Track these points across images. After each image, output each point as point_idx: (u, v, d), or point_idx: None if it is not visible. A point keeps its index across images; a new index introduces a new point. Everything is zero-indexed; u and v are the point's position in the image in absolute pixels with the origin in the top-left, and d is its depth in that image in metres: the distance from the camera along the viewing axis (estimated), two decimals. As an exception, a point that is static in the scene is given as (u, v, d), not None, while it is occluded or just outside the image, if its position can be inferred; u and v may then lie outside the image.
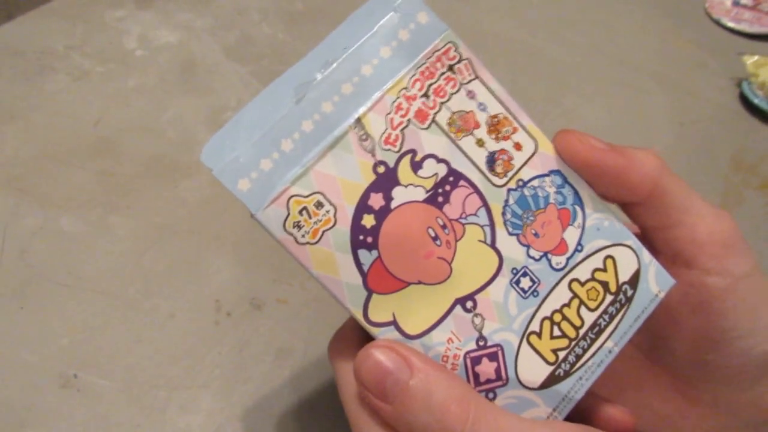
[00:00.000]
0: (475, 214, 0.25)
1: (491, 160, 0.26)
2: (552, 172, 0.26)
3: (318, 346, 0.42)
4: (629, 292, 0.27)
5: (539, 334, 0.26)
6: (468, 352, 0.25)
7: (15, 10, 0.62)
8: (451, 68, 0.25)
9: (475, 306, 0.25)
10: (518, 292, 0.26)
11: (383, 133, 0.24)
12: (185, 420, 0.38)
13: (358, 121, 0.24)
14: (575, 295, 0.26)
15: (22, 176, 0.49)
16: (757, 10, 0.68)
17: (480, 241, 0.25)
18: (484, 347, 0.25)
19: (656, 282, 0.27)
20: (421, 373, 0.23)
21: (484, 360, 0.25)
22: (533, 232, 0.26)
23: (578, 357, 0.26)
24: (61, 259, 0.44)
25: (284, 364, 0.41)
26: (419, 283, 0.24)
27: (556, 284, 0.26)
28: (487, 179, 0.25)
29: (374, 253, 0.24)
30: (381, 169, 0.24)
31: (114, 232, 0.46)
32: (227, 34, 0.62)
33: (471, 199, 0.25)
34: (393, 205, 0.24)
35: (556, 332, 0.26)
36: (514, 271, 0.26)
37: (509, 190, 0.26)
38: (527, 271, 0.26)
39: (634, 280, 0.27)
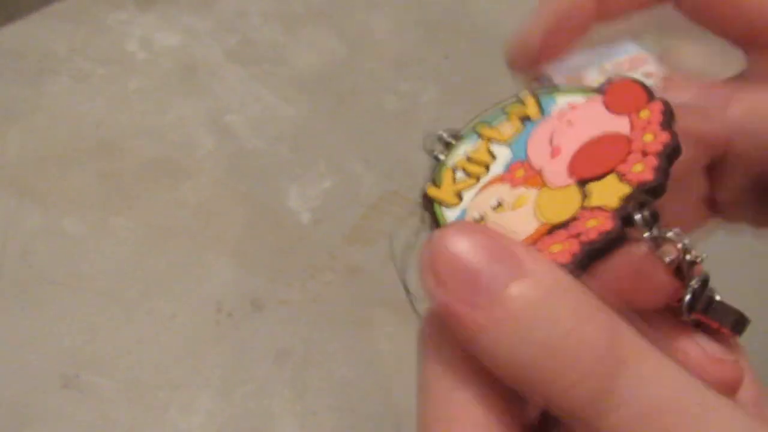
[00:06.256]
0: None
1: None
2: None
3: (318, 347, 0.42)
4: None
5: None
6: None
7: (16, 12, 0.62)
8: None
9: None
10: None
11: None
12: (186, 420, 0.38)
13: None
14: None
15: (23, 178, 0.49)
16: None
17: None
18: None
19: None
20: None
21: None
22: None
23: None
24: (63, 260, 0.45)
25: (284, 364, 0.41)
26: None
27: None
28: None
29: None
30: None
31: (115, 234, 0.46)
32: (228, 36, 0.63)
33: None
34: None
35: None
36: None
37: None
38: None
39: None
